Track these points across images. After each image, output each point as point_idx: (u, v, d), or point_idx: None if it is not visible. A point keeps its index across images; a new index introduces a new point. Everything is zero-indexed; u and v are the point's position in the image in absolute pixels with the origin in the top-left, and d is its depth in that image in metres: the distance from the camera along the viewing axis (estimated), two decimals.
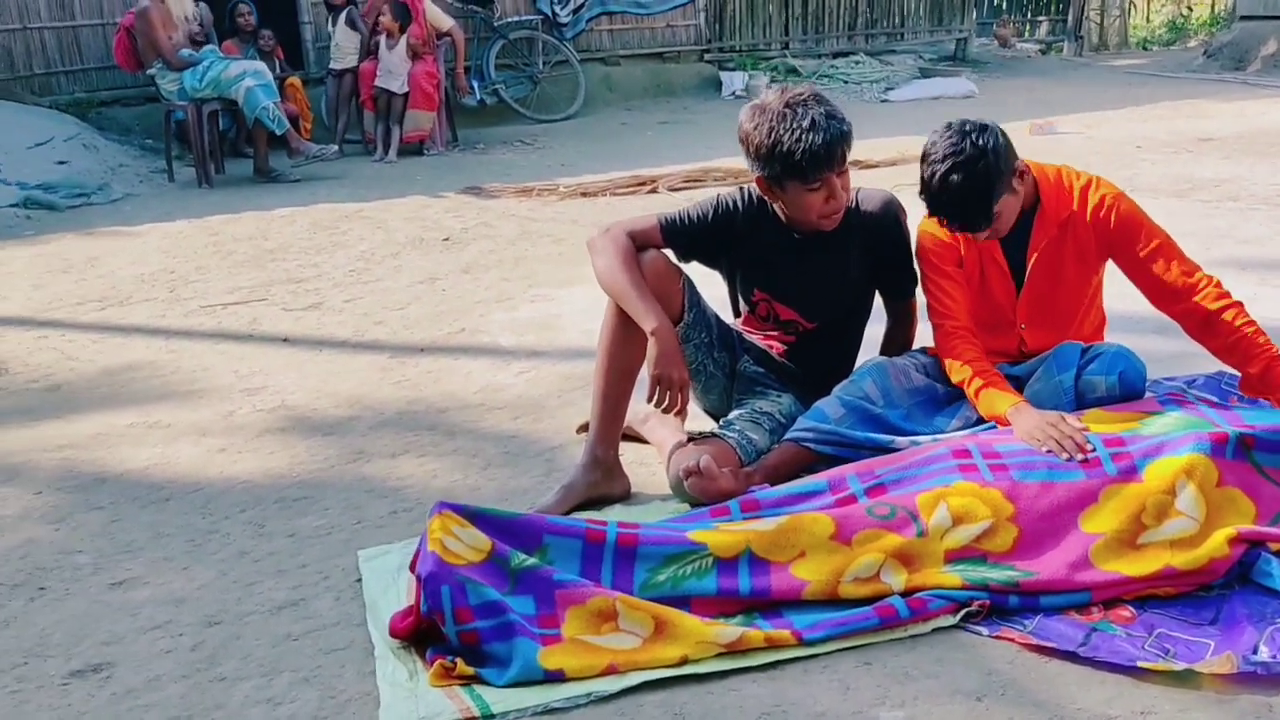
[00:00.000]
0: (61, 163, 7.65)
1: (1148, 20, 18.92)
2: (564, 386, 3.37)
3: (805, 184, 2.44)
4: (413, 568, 2.08)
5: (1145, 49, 16.88)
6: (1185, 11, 18.53)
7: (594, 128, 10.00)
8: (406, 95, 8.57)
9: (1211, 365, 2.97)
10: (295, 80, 9.04)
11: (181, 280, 5.05)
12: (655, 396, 2.47)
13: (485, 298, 4.51)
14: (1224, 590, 2.02)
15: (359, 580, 2.27)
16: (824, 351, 2.71)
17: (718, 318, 2.73)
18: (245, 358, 3.86)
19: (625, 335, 2.53)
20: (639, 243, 2.56)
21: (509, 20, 10.43)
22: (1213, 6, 18.14)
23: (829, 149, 2.39)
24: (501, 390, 3.38)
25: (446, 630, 1.91)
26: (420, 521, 2.49)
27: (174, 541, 2.50)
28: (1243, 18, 12.02)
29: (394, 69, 8.52)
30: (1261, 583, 2.01)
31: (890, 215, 2.61)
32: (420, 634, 1.98)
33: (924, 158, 2.42)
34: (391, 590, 2.20)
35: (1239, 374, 2.55)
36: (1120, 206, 2.51)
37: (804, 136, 2.37)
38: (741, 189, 2.65)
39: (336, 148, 8.22)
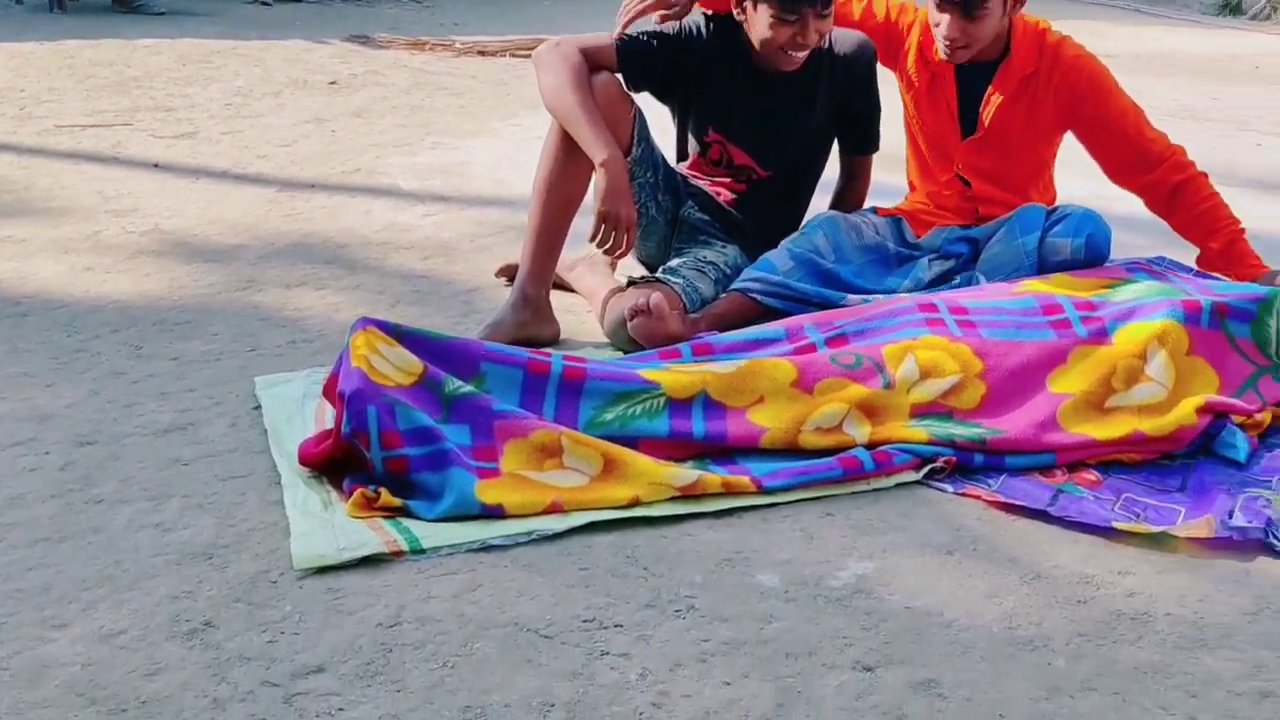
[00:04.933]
0: None
1: None
2: (476, 232, 3.11)
3: (780, 14, 2.22)
4: (327, 392, 1.85)
5: None
6: None
7: None
8: None
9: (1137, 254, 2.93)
10: None
11: (33, 99, 4.51)
12: (599, 235, 2.25)
13: (380, 141, 4.16)
14: (1187, 460, 1.95)
15: (257, 408, 2.02)
16: (775, 203, 2.53)
17: (664, 157, 2.51)
18: (110, 180, 3.45)
19: (568, 165, 2.29)
20: (591, 63, 2.30)
21: None
22: None
23: None
24: (407, 231, 3.10)
25: (371, 456, 1.68)
26: (324, 353, 2.26)
27: (35, 357, 2.19)
28: None
29: None
30: (1224, 454, 1.94)
31: (865, 60, 2.42)
32: (335, 463, 1.75)
33: None
34: (297, 419, 1.95)
35: (1179, 262, 2.50)
36: (1093, 67, 2.40)
37: None
38: (705, 14, 2.41)
39: None
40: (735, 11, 2.28)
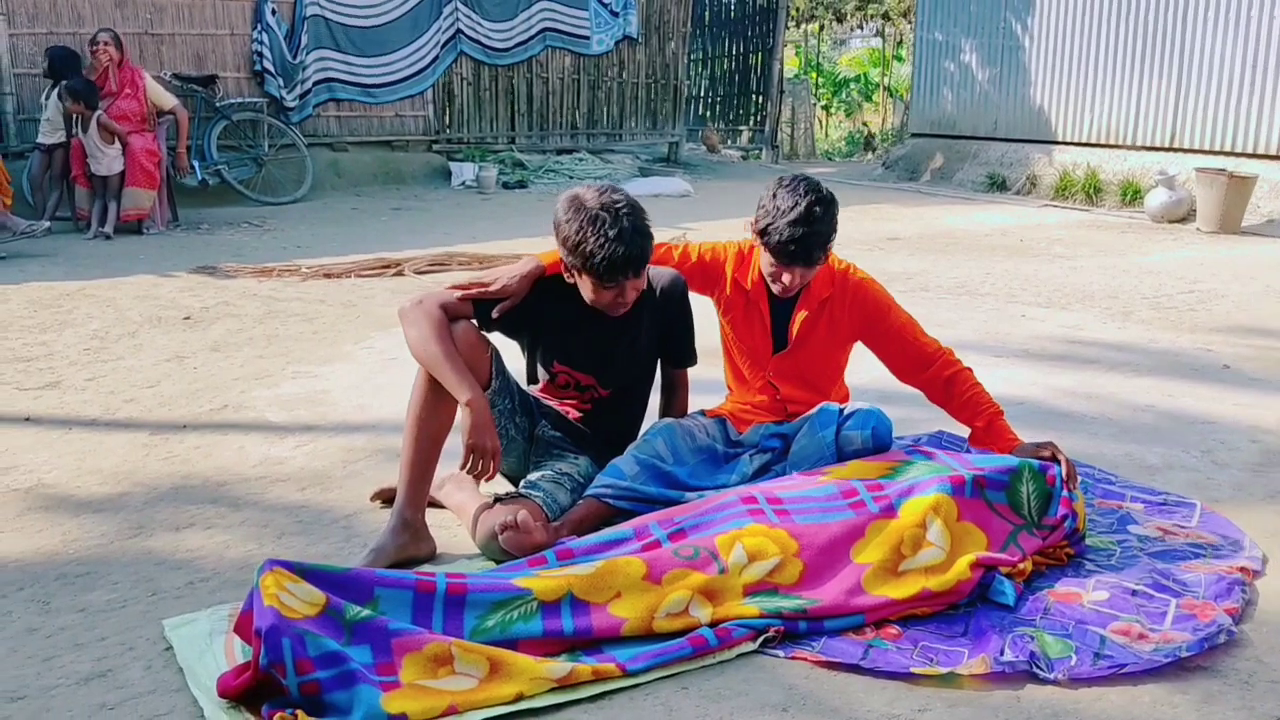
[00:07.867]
0: None
1: (826, 135, 21.05)
2: (347, 459, 3.40)
3: (600, 284, 2.66)
4: (240, 629, 2.09)
5: (829, 159, 18.71)
6: (862, 128, 20.72)
7: (324, 212, 9.91)
8: (122, 173, 8.20)
9: (922, 429, 3.44)
10: None
11: None
12: (469, 464, 2.58)
13: (242, 375, 4.43)
14: (968, 608, 2.38)
15: (168, 649, 2.24)
16: (616, 416, 2.94)
17: (518, 384, 2.89)
18: None
19: (435, 403, 2.64)
20: (450, 314, 2.68)
21: (233, 101, 10.22)
22: (882, 124, 20.43)
23: (627, 262, 2.59)
24: (281, 463, 3.37)
25: (288, 682, 1.93)
26: (222, 590, 2.50)
27: None
28: (914, 135, 13.63)
29: (94, 153, 8.10)
30: (996, 600, 2.39)
31: (679, 292, 2.89)
32: (251, 692, 2.00)
33: (774, 197, 2.76)
34: (208, 655, 2.18)
35: (954, 434, 3.02)
36: (874, 290, 2.95)
37: (608, 245, 2.56)
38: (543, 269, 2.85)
39: (47, 223, 7.73)
40: (565, 275, 2.72)
